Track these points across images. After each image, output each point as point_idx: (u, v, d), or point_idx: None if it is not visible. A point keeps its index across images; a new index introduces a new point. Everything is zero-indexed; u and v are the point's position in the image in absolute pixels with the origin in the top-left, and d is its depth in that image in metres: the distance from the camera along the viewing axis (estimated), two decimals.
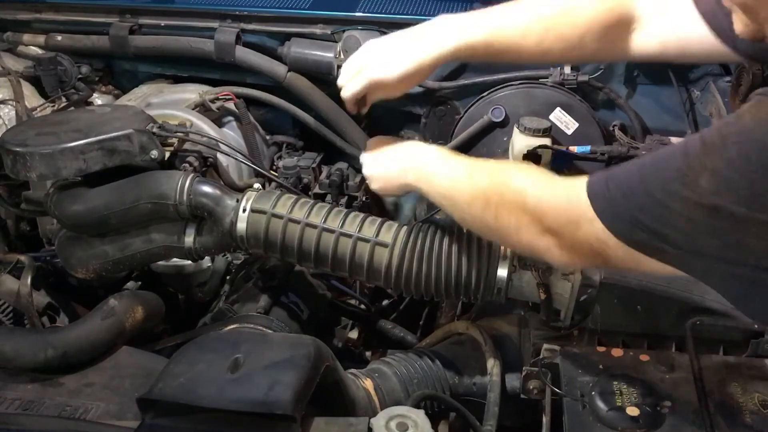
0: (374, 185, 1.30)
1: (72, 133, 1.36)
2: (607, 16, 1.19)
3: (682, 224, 0.81)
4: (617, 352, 1.17)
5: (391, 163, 1.26)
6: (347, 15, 1.90)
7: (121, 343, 1.28)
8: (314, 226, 1.29)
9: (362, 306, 1.85)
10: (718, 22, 1.09)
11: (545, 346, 1.25)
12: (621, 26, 1.20)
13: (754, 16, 0.86)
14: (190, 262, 1.56)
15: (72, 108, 1.92)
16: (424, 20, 1.83)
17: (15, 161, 1.34)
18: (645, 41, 1.21)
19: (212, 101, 1.92)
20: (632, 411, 1.04)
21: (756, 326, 1.19)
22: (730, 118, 0.83)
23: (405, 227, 1.30)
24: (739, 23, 0.89)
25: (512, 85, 1.79)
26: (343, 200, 1.87)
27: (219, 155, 1.62)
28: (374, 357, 1.75)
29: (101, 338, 1.25)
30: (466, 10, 1.85)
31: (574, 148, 1.68)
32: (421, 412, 1.03)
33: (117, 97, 2.09)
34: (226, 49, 1.92)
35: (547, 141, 1.61)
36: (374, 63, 1.25)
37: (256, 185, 1.63)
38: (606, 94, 1.77)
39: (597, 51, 1.23)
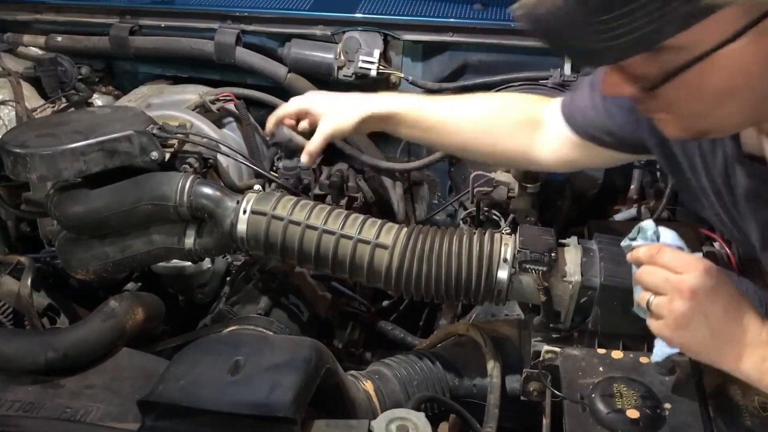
0: (679, 339, 0.96)
1: (72, 135, 1.36)
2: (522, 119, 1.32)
3: None
4: (617, 355, 1.17)
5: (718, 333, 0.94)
6: (347, 16, 1.90)
7: (122, 344, 1.28)
8: (315, 228, 1.29)
9: (362, 307, 1.85)
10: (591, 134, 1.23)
11: (545, 348, 1.25)
12: (531, 127, 1.32)
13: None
14: (190, 263, 1.55)
15: (72, 109, 1.92)
16: (424, 21, 1.86)
17: (15, 162, 1.34)
18: (549, 144, 1.31)
19: (212, 102, 1.92)
20: (632, 413, 1.04)
21: None
22: None
23: (405, 229, 1.30)
24: (676, 128, 0.90)
25: (512, 86, 1.79)
26: (343, 201, 1.88)
27: (219, 156, 1.62)
28: (374, 358, 1.75)
29: (102, 340, 1.25)
30: (465, 10, 1.88)
31: None
32: (421, 415, 1.03)
33: (117, 97, 2.09)
34: (226, 50, 1.92)
35: None
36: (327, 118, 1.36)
37: (257, 186, 1.63)
38: None
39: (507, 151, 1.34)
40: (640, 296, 0.99)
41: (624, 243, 1.03)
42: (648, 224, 1.02)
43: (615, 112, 1.18)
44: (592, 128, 1.23)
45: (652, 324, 0.97)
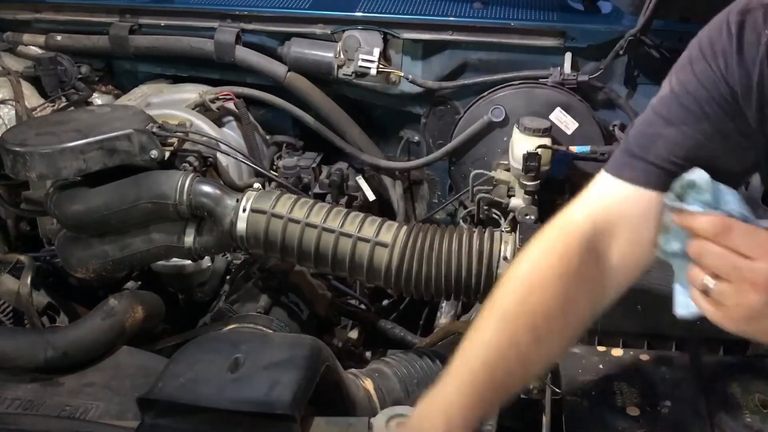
0: (742, 329, 0.79)
1: (72, 133, 1.36)
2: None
3: None
4: (617, 352, 1.17)
5: None
6: (347, 15, 1.90)
7: (121, 342, 1.28)
8: (314, 226, 1.29)
9: (362, 306, 1.85)
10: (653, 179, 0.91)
11: None
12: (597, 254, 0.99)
13: None
14: (190, 262, 1.55)
15: (72, 108, 1.92)
16: (424, 19, 1.86)
17: (15, 161, 1.34)
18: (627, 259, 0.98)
19: (212, 101, 1.92)
20: (632, 411, 1.04)
21: None
22: None
23: (405, 227, 1.30)
24: None
25: (512, 85, 1.79)
26: (343, 200, 1.88)
27: (219, 155, 1.62)
28: (374, 357, 1.75)
29: (101, 338, 1.25)
30: (465, 9, 1.88)
31: (574, 148, 1.67)
32: None
33: (117, 97, 2.09)
34: (226, 49, 1.92)
35: (547, 141, 1.61)
36: None
37: (256, 185, 1.63)
38: (606, 94, 1.77)
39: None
40: (694, 273, 0.79)
41: (670, 201, 0.79)
42: (702, 178, 0.78)
43: (709, 109, 0.88)
44: (680, 161, 0.88)
45: (708, 310, 0.79)
